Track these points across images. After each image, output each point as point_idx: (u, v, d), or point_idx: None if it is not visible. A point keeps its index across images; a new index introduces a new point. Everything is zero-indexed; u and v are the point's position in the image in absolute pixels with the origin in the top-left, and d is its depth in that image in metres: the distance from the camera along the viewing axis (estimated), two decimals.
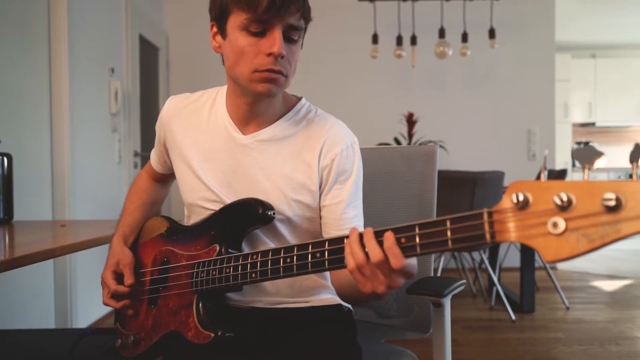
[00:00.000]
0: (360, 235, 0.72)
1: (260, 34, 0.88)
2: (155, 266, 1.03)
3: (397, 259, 0.68)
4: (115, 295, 1.01)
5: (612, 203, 0.50)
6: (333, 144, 0.98)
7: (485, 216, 0.61)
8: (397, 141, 4.10)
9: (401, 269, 0.69)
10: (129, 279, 1.01)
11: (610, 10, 5.35)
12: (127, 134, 3.37)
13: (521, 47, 4.48)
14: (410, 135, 3.97)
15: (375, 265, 0.70)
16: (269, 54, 0.88)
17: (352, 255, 0.72)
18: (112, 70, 3.17)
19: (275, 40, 0.87)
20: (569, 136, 6.34)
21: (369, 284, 0.72)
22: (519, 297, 3.23)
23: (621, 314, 3.20)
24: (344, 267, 0.74)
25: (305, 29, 0.94)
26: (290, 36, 0.90)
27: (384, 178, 1.31)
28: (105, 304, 1.02)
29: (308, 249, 0.78)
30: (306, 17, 0.92)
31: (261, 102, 0.96)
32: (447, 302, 1.13)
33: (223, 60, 0.97)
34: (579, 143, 6.79)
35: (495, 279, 3.21)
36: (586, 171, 0.55)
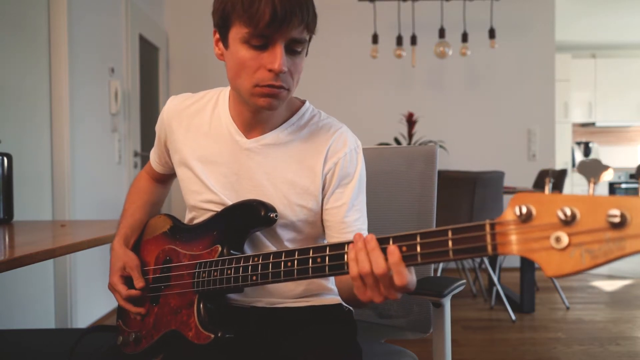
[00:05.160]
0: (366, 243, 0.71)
1: (262, 47, 0.85)
2: (157, 264, 1.02)
3: (401, 277, 0.67)
4: (129, 299, 1.00)
5: (617, 220, 0.49)
6: (337, 148, 0.98)
7: (488, 228, 0.60)
8: (397, 141, 4.10)
9: (404, 287, 0.68)
10: (139, 282, 0.99)
11: (610, 10, 5.35)
12: (127, 134, 3.37)
13: (521, 47, 4.48)
14: (410, 135, 3.97)
15: (379, 277, 0.69)
16: (270, 70, 0.85)
17: (357, 262, 0.71)
18: (112, 70, 3.17)
19: (276, 56, 0.84)
20: (569, 136, 6.33)
21: (368, 292, 0.72)
22: (519, 297, 3.23)
23: (621, 314, 3.20)
24: (345, 273, 0.73)
25: (311, 37, 0.91)
26: (294, 48, 0.87)
27: (384, 178, 1.31)
28: (123, 307, 1.01)
29: (309, 254, 0.77)
30: (310, 28, 0.88)
31: (264, 112, 0.95)
32: (447, 302, 1.13)
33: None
34: (578, 143, 6.79)
35: (495, 279, 3.21)
36: (591, 185, 0.54)
